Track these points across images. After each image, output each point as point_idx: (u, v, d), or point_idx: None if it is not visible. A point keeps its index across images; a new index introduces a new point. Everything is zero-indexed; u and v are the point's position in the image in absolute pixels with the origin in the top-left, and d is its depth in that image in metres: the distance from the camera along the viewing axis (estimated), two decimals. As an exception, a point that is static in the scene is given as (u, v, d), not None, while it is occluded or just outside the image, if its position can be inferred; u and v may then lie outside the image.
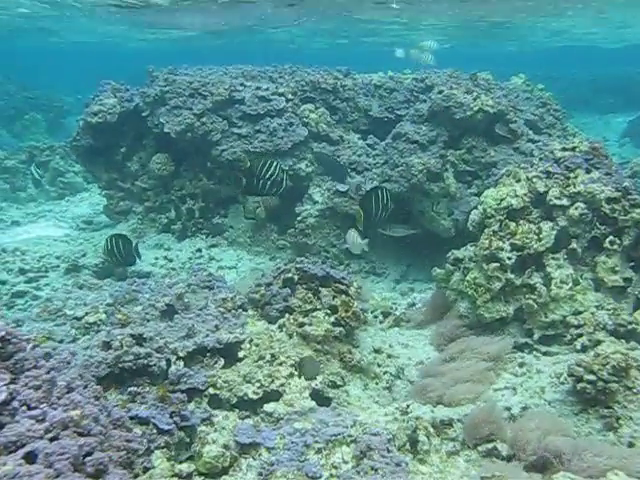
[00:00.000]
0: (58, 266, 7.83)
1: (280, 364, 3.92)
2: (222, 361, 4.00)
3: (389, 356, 4.85)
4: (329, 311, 4.62)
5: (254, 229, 8.02)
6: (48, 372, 2.38)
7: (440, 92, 7.22)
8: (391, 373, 4.64)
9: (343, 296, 4.71)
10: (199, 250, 7.88)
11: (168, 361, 3.88)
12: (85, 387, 2.42)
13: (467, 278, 4.77)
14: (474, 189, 7.16)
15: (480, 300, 4.66)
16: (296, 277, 4.72)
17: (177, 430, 3.16)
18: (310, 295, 4.64)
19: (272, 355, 3.98)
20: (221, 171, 7.90)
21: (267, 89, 7.96)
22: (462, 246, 6.85)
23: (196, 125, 7.54)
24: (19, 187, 12.77)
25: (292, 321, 4.47)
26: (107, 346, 3.80)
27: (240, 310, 4.65)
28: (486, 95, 7.11)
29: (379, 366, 4.68)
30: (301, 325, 4.43)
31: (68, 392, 2.32)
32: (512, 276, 4.60)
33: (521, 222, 4.72)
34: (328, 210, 7.45)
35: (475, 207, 6.86)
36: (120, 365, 3.70)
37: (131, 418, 3.08)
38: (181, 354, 3.93)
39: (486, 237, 4.71)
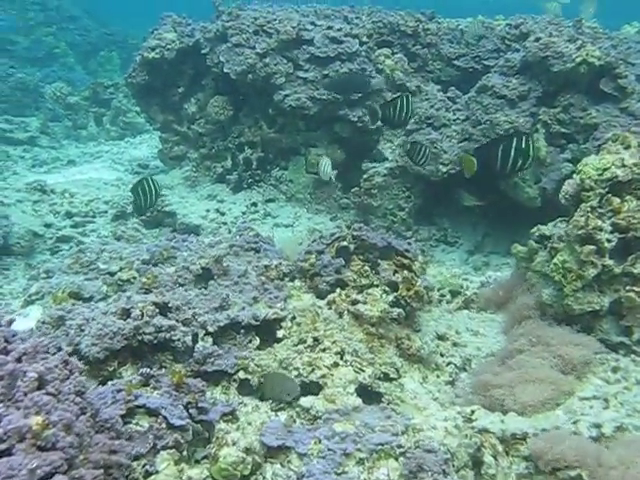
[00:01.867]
0: (106, 212, 7.57)
1: (323, 350, 3.41)
2: (257, 340, 3.54)
3: (455, 344, 4.28)
4: (388, 288, 4.08)
5: (316, 185, 7.48)
6: (19, 359, 1.94)
7: (537, 40, 6.38)
8: (456, 365, 4.08)
9: (405, 272, 4.14)
10: (254, 204, 7.43)
11: (195, 336, 3.45)
12: (67, 378, 1.97)
13: (555, 261, 4.10)
14: (568, 154, 6.35)
15: (569, 288, 3.99)
16: (352, 246, 4.18)
17: (192, 425, 2.71)
18: (367, 268, 4.11)
19: (315, 339, 3.47)
20: (283, 119, 7.36)
21: (340, 29, 7.29)
22: (550, 220, 6.10)
23: (258, 66, 7.00)
24: (81, 125, 12.64)
25: (344, 297, 3.95)
26: (126, 314, 3.39)
27: (285, 281, 4.16)
28: (592, 45, 6.23)
29: (442, 356, 4.13)
30: (354, 303, 3.91)
31: (39, 387, 1.87)
32: (611, 262, 3.90)
33: (627, 198, 3.98)
34: (398, 169, 6.81)
35: (570, 176, 6.11)
36: (139, 337, 3.29)
37: (138, 407, 2.66)
38: (211, 329, 3.48)
39: (582, 214, 4.00)
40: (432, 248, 7.02)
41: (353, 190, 6.88)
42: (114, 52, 18.61)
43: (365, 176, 6.82)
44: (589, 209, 3.99)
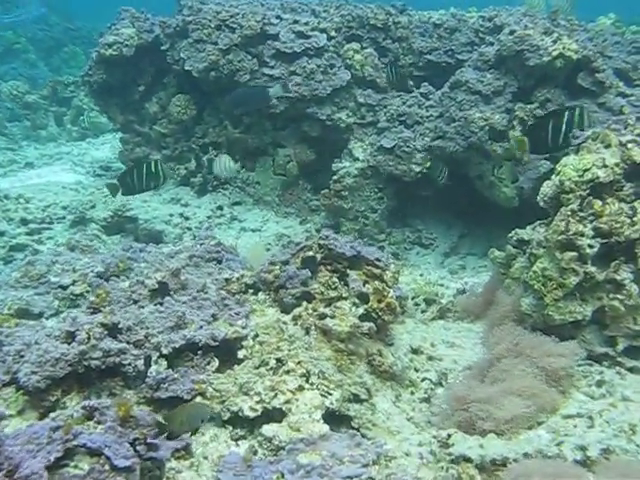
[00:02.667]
0: (64, 217, 7.25)
1: (287, 372, 3.19)
2: (216, 362, 3.31)
3: (430, 358, 4.08)
4: (358, 300, 3.87)
5: (284, 186, 7.25)
6: None
7: (511, 33, 6.21)
8: (431, 380, 3.88)
9: (376, 282, 3.93)
10: (220, 208, 7.18)
11: (148, 359, 3.20)
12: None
13: (534, 268, 3.92)
14: (546, 152, 6.20)
15: (549, 297, 3.82)
16: (319, 256, 3.95)
17: (139, 464, 2.47)
18: (335, 279, 3.88)
19: (278, 360, 3.25)
20: (249, 118, 7.11)
21: (306, 23, 7.06)
22: (528, 221, 5.97)
23: (221, 63, 6.73)
24: (40, 125, 12.24)
25: (310, 311, 3.73)
26: (70, 337, 3.13)
27: (249, 293, 3.93)
28: (569, 37, 6.07)
29: (417, 371, 3.94)
30: (321, 317, 3.69)
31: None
32: (593, 269, 3.73)
33: (609, 200, 3.82)
34: (370, 169, 6.60)
35: (548, 175, 5.96)
36: (85, 363, 3.04)
37: (77, 447, 2.41)
38: (165, 351, 3.24)
39: (562, 218, 3.83)
40: (406, 251, 6.83)
41: (323, 192, 6.66)
42: (78, 48, 18.11)
43: (335, 177, 6.60)
44: (569, 213, 3.81)
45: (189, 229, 6.80)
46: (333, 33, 7.22)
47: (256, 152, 7.35)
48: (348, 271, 3.97)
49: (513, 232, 4.53)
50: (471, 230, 7.11)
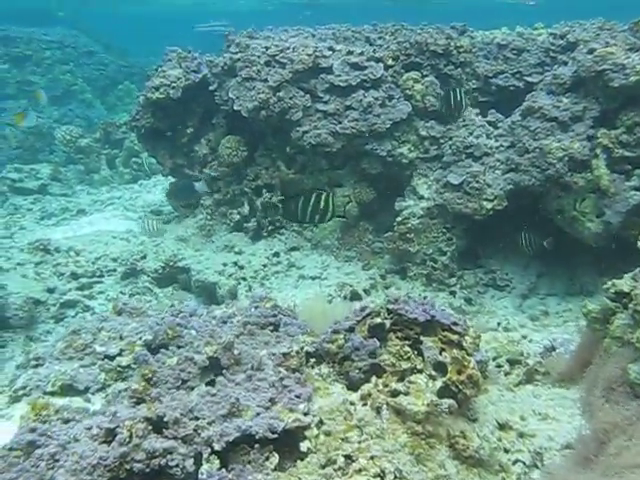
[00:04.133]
0: (115, 270, 7.09)
1: (358, 471, 2.79)
2: (276, 458, 2.93)
3: (520, 435, 3.61)
4: (434, 372, 3.45)
5: (344, 229, 6.90)
6: None
7: (590, 51, 5.74)
8: (524, 462, 3.41)
9: (455, 350, 3.51)
10: (276, 254, 6.87)
11: (198, 457, 2.86)
12: None
13: (642, 331, 3.43)
14: (635, 181, 5.67)
15: (663, 366, 3.32)
16: (388, 322, 3.56)
17: None
18: (407, 349, 3.48)
19: (347, 457, 2.85)
20: (303, 157, 6.82)
21: (361, 54, 6.74)
22: (616, 258, 5.48)
23: (272, 101, 6.47)
24: (93, 168, 12.31)
25: (381, 387, 3.34)
26: (110, 436, 2.82)
27: (309, 368, 3.57)
28: (656, 53, 5.57)
29: (507, 452, 3.47)
30: (394, 394, 3.29)
31: None
32: None
33: None
34: (436, 208, 6.19)
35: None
36: (127, 467, 2.72)
37: None
38: (217, 446, 2.89)
39: (674, 271, 3.35)
40: (480, 295, 6.38)
41: (386, 235, 6.28)
42: (133, 84, 18.35)
43: (399, 219, 6.22)
44: (682, 264, 3.33)
45: (244, 279, 6.51)
46: (390, 62, 6.88)
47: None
48: (421, 338, 3.57)
49: (610, 283, 4.03)
50: (550, 269, 6.60)
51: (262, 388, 3.27)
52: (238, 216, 7.19)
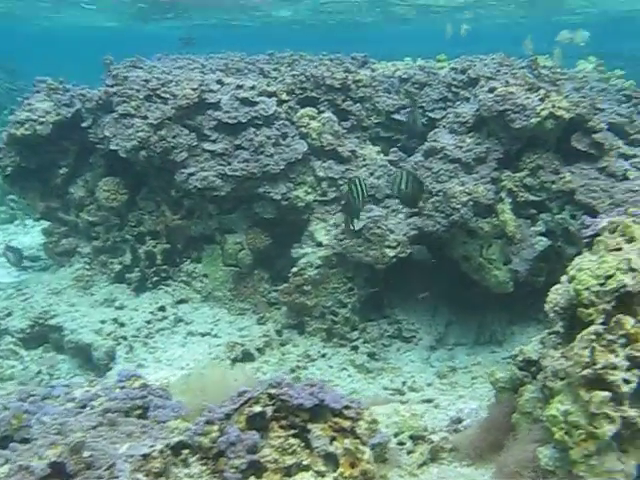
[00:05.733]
0: (-22, 331, 6.37)
1: None
2: None
3: (424, 532, 3.26)
4: (324, 466, 3.04)
5: (237, 279, 6.44)
6: None
7: (491, 90, 5.58)
8: None
9: (347, 440, 3.12)
10: (162, 308, 6.35)
11: None
12: None
13: (553, 410, 3.14)
14: (541, 226, 5.53)
15: (577, 452, 3.02)
16: (269, 410, 3.13)
17: None
18: (292, 440, 3.06)
19: None
20: (190, 201, 6.34)
21: (252, 88, 6.36)
22: (526, 305, 5.34)
23: (153, 140, 5.98)
24: (-32, 207, 11.37)
25: (262, 491, 2.90)
26: None
27: (178, 468, 3.09)
28: (558, 93, 5.45)
29: None
30: (276, 499, 2.86)
31: None
32: (633, 413, 2.97)
33: (643, 315, 3.09)
34: (336, 256, 5.84)
35: (546, 253, 5.34)
36: None
37: None
38: None
39: (585, 344, 3.07)
40: (385, 348, 6.06)
41: (281, 288, 5.87)
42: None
43: (294, 269, 5.83)
44: (594, 337, 3.05)
45: (124, 338, 5.95)
46: (284, 96, 6.54)
47: (201, 240, 6.56)
48: (309, 426, 3.16)
49: (517, 350, 3.77)
50: (459, 317, 6.37)
51: (113, 505, 2.78)
52: (119, 266, 6.62)
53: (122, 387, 3.78)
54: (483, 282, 5.72)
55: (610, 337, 3.06)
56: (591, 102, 5.94)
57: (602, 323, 3.12)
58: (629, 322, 3.06)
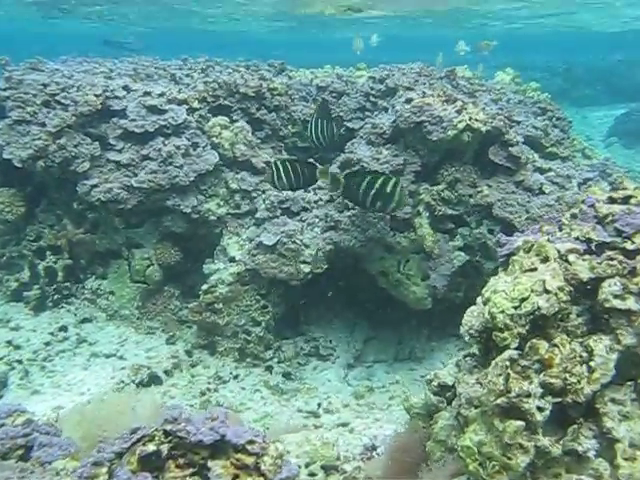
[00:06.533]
0: None
1: None
2: None
3: None
4: (225, 509, 2.84)
5: (145, 296, 6.16)
6: None
7: (408, 101, 5.50)
8: None
9: (250, 478, 2.91)
10: (63, 328, 5.98)
11: None
12: None
13: (466, 441, 3.02)
14: (459, 241, 5.49)
15: (492, 484, 2.92)
16: (165, 448, 2.90)
17: None
18: (190, 481, 2.85)
19: None
20: (94, 214, 6.02)
21: (161, 95, 6.10)
22: (445, 321, 5.31)
23: (51, 149, 5.64)
24: None
25: (153, 543, 2.67)
26: None
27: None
28: (474, 105, 5.42)
29: None
30: None
31: None
32: (547, 442, 2.88)
33: (557, 340, 2.99)
34: (248, 272, 5.63)
35: (464, 268, 5.30)
36: None
37: None
38: None
39: (499, 372, 2.97)
40: (300, 367, 5.88)
41: (191, 306, 5.63)
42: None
43: (205, 286, 5.59)
44: (508, 364, 2.96)
45: (19, 362, 5.56)
46: (196, 104, 6.30)
47: (107, 255, 6.23)
48: (209, 463, 2.95)
49: (432, 374, 3.65)
50: (378, 332, 6.28)
51: None
52: (16, 283, 6.21)
53: (1, 425, 3.47)
54: (401, 298, 5.63)
55: (524, 363, 2.97)
56: (508, 114, 5.97)
57: (517, 348, 3.02)
58: (543, 346, 2.98)
